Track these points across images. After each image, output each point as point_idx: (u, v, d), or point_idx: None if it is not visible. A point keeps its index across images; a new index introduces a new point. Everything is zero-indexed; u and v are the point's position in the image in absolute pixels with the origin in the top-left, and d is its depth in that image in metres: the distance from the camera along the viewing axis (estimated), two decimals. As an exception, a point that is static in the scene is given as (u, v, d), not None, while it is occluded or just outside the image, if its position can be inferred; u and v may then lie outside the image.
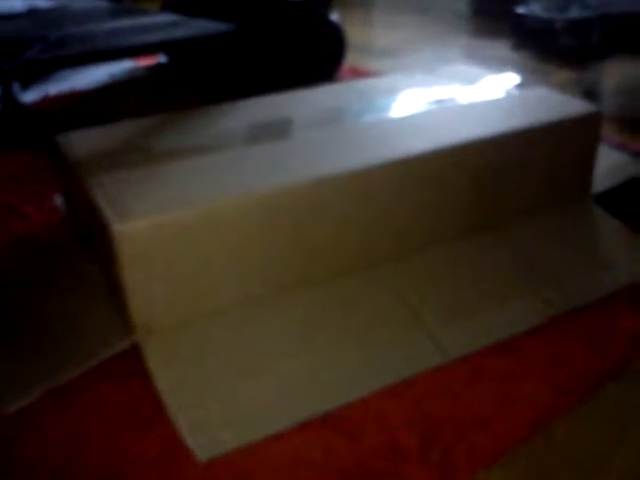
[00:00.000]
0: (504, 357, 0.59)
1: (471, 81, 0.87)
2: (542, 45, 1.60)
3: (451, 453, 0.49)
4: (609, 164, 0.88)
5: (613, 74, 1.20)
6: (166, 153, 0.66)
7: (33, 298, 0.67)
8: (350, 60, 1.48)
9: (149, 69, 1.53)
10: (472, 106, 0.79)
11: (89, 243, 0.66)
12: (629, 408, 0.55)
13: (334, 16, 1.36)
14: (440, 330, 0.61)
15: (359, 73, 1.46)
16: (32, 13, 1.27)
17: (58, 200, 0.84)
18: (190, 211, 0.56)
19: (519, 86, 0.85)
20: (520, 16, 1.64)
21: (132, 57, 1.47)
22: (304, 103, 0.80)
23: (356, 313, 0.62)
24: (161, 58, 1.55)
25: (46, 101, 1.32)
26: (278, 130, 0.71)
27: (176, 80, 1.44)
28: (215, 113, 0.78)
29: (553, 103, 0.79)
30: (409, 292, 0.65)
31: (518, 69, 1.49)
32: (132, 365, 0.57)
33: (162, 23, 1.17)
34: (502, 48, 1.66)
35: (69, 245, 0.74)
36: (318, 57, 1.34)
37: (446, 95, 0.82)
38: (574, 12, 1.59)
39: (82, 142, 0.69)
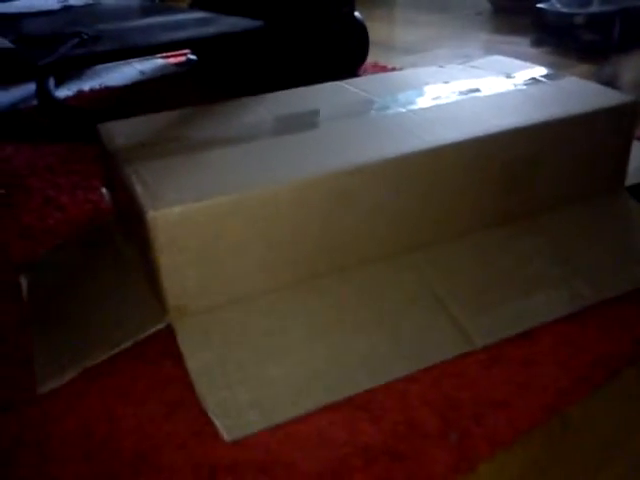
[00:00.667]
0: (523, 343, 0.60)
1: (506, 72, 0.86)
2: (562, 40, 1.59)
3: (470, 434, 0.50)
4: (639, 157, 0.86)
5: (631, 68, 1.19)
6: (199, 143, 0.67)
7: (76, 282, 0.69)
8: (373, 57, 1.48)
9: (178, 66, 1.55)
10: (505, 96, 0.78)
11: (129, 228, 0.67)
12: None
13: (357, 14, 1.36)
14: (466, 319, 0.61)
15: (382, 69, 1.46)
16: (66, 10, 1.29)
17: (102, 190, 0.86)
18: (222, 199, 0.57)
19: (552, 77, 0.84)
20: (540, 11, 1.63)
21: (163, 53, 1.49)
22: (331, 95, 0.81)
23: (384, 301, 0.63)
24: (190, 55, 1.56)
25: (80, 97, 1.34)
26: (306, 121, 0.72)
27: (205, 77, 1.45)
28: (245, 105, 0.78)
29: (586, 93, 0.78)
30: (437, 281, 0.65)
31: (539, 63, 1.48)
32: (165, 346, 0.58)
33: (192, 20, 1.18)
34: (522, 44, 1.66)
35: (112, 231, 0.75)
36: (342, 54, 1.34)
37: (480, 85, 0.81)
38: (594, 7, 1.58)
39: (120, 132, 0.71)
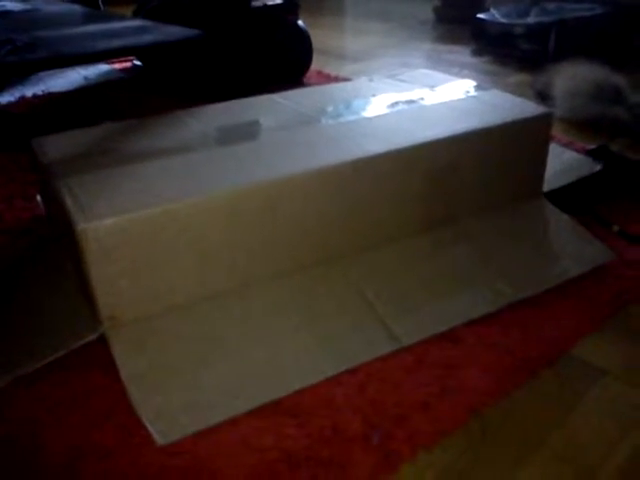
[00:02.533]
0: (446, 346, 0.61)
1: (431, 85, 0.89)
2: (501, 50, 1.63)
3: (392, 437, 0.51)
4: (561, 163, 0.90)
5: (565, 77, 1.23)
6: (134, 155, 0.68)
7: (9, 291, 0.68)
8: (318, 65, 1.50)
9: (124, 72, 1.53)
10: (428, 108, 0.81)
11: (63, 239, 0.67)
12: (563, 393, 0.57)
13: (301, 22, 1.37)
14: (393, 319, 0.63)
15: (327, 77, 1.48)
16: (2, 16, 1.26)
17: (37, 198, 0.85)
18: (152, 210, 0.58)
19: (476, 89, 0.87)
20: (481, 22, 1.67)
21: (99, 62, 1.47)
22: (271, 107, 0.82)
23: (315, 304, 0.64)
24: (136, 61, 1.55)
25: (22, 103, 1.32)
26: (246, 133, 0.73)
27: (150, 83, 1.45)
28: (185, 117, 0.79)
29: (506, 105, 0.81)
30: (365, 285, 0.67)
31: (477, 72, 1.52)
32: (96, 356, 0.58)
33: (130, 28, 1.17)
34: (463, 53, 1.69)
35: (47, 240, 0.75)
36: (286, 62, 1.35)
37: (406, 98, 0.84)
38: (532, 18, 1.63)
39: (55, 146, 0.71)
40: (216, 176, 0.63)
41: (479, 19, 1.67)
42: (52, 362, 0.57)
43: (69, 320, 0.61)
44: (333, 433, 0.51)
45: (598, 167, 0.89)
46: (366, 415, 0.53)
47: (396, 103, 0.82)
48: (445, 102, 0.83)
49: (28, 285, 0.69)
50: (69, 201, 0.58)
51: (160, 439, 0.50)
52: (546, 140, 0.82)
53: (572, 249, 0.76)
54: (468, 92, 0.87)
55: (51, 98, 1.35)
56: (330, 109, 0.81)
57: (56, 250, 0.71)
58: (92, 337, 0.58)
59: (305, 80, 1.43)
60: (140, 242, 0.58)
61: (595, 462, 0.50)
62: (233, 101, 0.84)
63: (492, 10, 1.68)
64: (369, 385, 0.56)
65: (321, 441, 0.50)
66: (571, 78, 1.24)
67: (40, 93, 1.37)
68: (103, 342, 0.58)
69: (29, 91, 1.38)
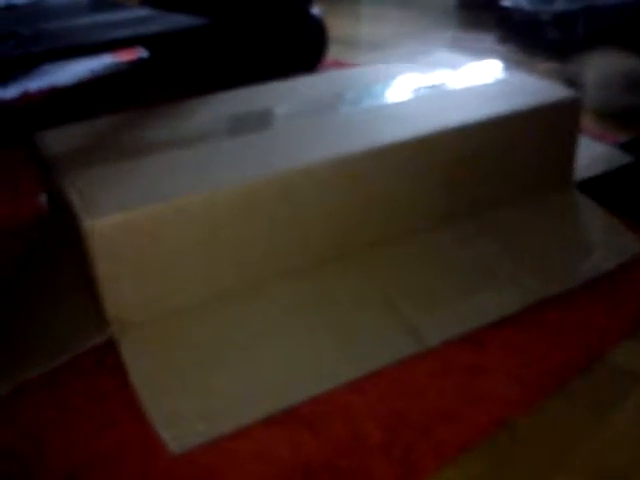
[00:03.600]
0: (471, 350, 0.60)
1: (454, 68, 0.88)
2: (527, 38, 1.61)
3: (415, 448, 0.50)
4: (591, 155, 0.89)
5: (594, 67, 1.21)
6: (142, 148, 0.67)
7: (11, 292, 0.68)
8: (335, 53, 1.49)
9: (130, 64, 1.54)
10: (452, 93, 0.79)
11: (68, 237, 0.67)
12: (596, 402, 0.56)
13: (315, 9, 1.36)
14: (416, 318, 0.62)
15: (343, 66, 1.47)
16: (8, 9, 1.27)
17: (39, 194, 0.85)
18: (161, 206, 0.57)
19: (501, 71, 0.86)
20: (505, 9, 1.65)
21: (106, 52, 1.48)
22: (285, 94, 0.81)
23: (333, 303, 0.63)
24: (142, 53, 1.55)
25: (26, 97, 1.32)
26: (259, 121, 0.72)
27: (157, 74, 1.45)
28: (195, 106, 0.78)
29: (532, 89, 0.80)
30: (386, 281, 0.66)
31: (503, 61, 1.50)
32: (103, 359, 0.58)
33: (137, 18, 1.18)
34: (487, 41, 1.68)
35: (50, 239, 0.75)
36: (299, 51, 1.34)
37: (428, 82, 0.82)
38: (559, 4, 1.61)
39: (58, 140, 0.70)
40: (228, 168, 0.62)
41: (503, 5, 1.65)
42: (55, 367, 0.57)
43: (74, 322, 0.61)
44: (352, 443, 0.50)
45: (629, 160, 0.87)
46: (387, 424, 0.52)
47: (417, 88, 0.81)
48: (468, 86, 0.81)
49: (30, 286, 0.68)
50: (74, 197, 0.58)
51: (174, 447, 0.50)
52: (576, 126, 0.80)
53: (604, 242, 0.75)
54: (492, 75, 0.85)
55: (56, 92, 1.36)
56: (348, 95, 0.80)
57: (60, 248, 0.71)
58: (99, 340, 0.58)
59: (320, 69, 1.42)
60: (149, 239, 0.57)
61: (631, 475, 0.49)
62: (246, 89, 0.83)
63: (517, -4, 1.66)
64: (390, 392, 0.55)
65: (339, 452, 0.50)
66: (602, 68, 1.23)
67: (45, 87, 1.38)
68: (110, 345, 0.57)
69: (33, 84, 1.38)
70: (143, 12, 1.24)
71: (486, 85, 0.82)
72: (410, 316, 0.63)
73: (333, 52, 1.46)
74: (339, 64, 1.48)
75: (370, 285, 0.65)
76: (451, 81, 0.83)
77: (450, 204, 0.73)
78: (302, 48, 1.36)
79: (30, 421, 0.54)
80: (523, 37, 1.62)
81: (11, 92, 1.33)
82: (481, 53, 1.58)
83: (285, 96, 0.81)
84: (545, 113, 0.76)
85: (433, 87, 0.81)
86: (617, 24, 1.55)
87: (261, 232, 0.62)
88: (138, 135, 0.71)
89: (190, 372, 0.56)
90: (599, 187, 0.82)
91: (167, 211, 0.57)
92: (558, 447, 0.52)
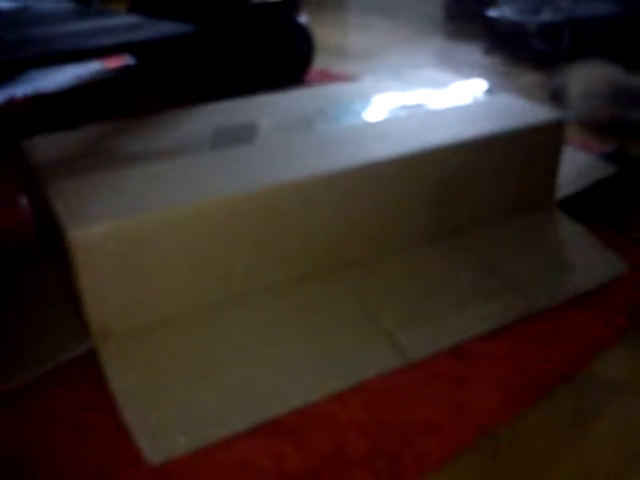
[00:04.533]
0: (455, 361, 0.61)
1: (439, 87, 0.89)
2: (513, 48, 1.63)
3: (399, 459, 0.50)
4: (575, 167, 0.90)
5: (579, 78, 1.23)
6: (128, 158, 0.67)
7: None
8: (323, 63, 1.50)
9: (117, 71, 1.53)
10: (437, 113, 0.80)
11: (52, 245, 0.67)
12: (578, 411, 0.57)
13: (303, 18, 1.37)
14: (399, 333, 0.63)
15: (330, 77, 1.47)
16: (-7, 14, 1.27)
17: (23, 202, 0.85)
18: (145, 217, 0.57)
19: (487, 92, 0.87)
20: (492, 19, 1.67)
21: (93, 59, 1.48)
22: (270, 108, 0.82)
23: (317, 317, 0.64)
24: (129, 60, 1.55)
25: (12, 103, 1.32)
26: (243, 135, 0.73)
27: (143, 82, 1.44)
28: (180, 117, 0.79)
29: (517, 110, 0.81)
30: (370, 297, 0.66)
31: (489, 72, 1.52)
32: (86, 370, 0.58)
33: (125, 25, 1.18)
34: (474, 51, 1.69)
35: (33, 247, 0.74)
36: (286, 60, 1.35)
37: (413, 101, 0.84)
38: (545, 15, 1.63)
39: (44, 147, 0.70)
40: (213, 181, 0.63)
41: (490, 16, 1.67)
42: (38, 377, 0.57)
43: (56, 333, 0.61)
44: (335, 454, 0.51)
45: (613, 171, 0.88)
46: (371, 435, 0.52)
47: (403, 106, 0.82)
48: (454, 106, 0.82)
49: (12, 296, 0.68)
50: (58, 206, 0.58)
51: (153, 459, 0.50)
52: (559, 147, 0.81)
53: (586, 261, 0.76)
54: (477, 95, 0.86)
55: (41, 98, 1.35)
56: (334, 111, 0.80)
57: (44, 257, 0.71)
58: (81, 351, 0.58)
59: (307, 79, 1.42)
60: (133, 251, 0.57)
61: (613, 484, 0.50)
62: (231, 101, 0.84)
63: (504, 6, 1.68)
64: (374, 403, 0.56)
65: (322, 463, 0.50)
66: (586, 79, 1.24)
67: (30, 93, 1.37)
68: (92, 356, 0.57)
69: (19, 90, 1.38)
70: (131, 19, 1.24)
71: (472, 105, 0.83)
72: (393, 330, 0.63)
73: (320, 61, 1.47)
74: (326, 74, 1.49)
75: (354, 300, 0.66)
76: (436, 100, 0.84)
77: (436, 222, 0.74)
78: (290, 57, 1.36)
79: (12, 433, 0.53)
80: (509, 48, 1.64)
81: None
82: (467, 64, 1.59)
83: (271, 110, 0.81)
84: (530, 134, 0.77)
85: (419, 106, 0.82)
86: (601, 35, 1.57)
87: (247, 246, 0.63)
88: (125, 144, 0.71)
89: (172, 383, 0.56)
90: (584, 200, 0.83)
91: (151, 222, 0.58)
92: (541, 455, 0.52)
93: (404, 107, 0.82)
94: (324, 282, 0.67)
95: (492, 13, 1.67)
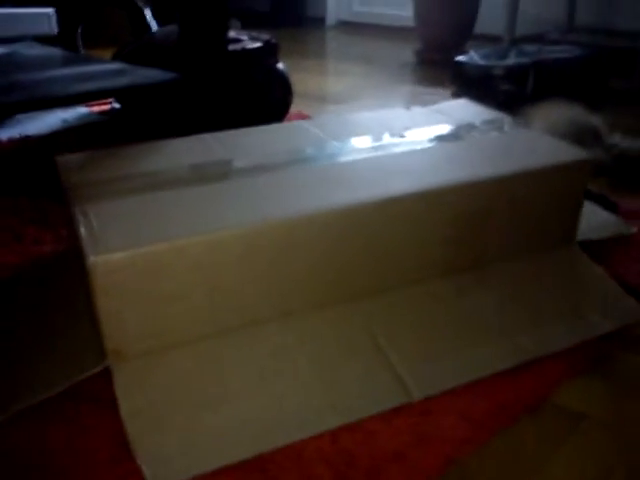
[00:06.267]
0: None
1: (466, 118, 0.87)
2: (480, 91, 1.66)
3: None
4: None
5: (543, 118, 1.25)
6: (156, 182, 0.68)
7: (27, 320, 0.69)
8: (299, 106, 1.51)
9: (103, 114, 1.54)
10: (460, 146, 0.79)
11: (82, 266, 0.67)
12: (542, 440, 0.57)
13: (280, 65, 1.39)
14: (406, 370, 0.62)
15: (306, 118, 1.49)
16: (-21, 59, 1.27)
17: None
18: (163, 245, 0.59)
19: (512, 127, 0.85)
20: (460, 64, 1.71)
21: (76, 104, 1.48)
22: (290, 135, 0.81)
23: (325, 348, 0.64)
24: (115, 104, 1.56)
25: (-2, 146, 1.32)
26: (259, 167, 0.72)
27: (129, 126, 1.45)
28: (210, 141, 0.79)
29: (542, 147, 0.79)
30: (380, 330, 0.66)
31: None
32: (102, 390, 0.58)
33: (107, 71, 1.19)
34: (443, 95, 1.73)
35: (68, 267, 0.75)
36: (264, 104, 1.36)
37: (439, 133, 0.82)
38: (510, 60, 1.66)
39: (76, 166, 0.72)
40: (229, 211, 0.63)
41: (459, 61, 1.70)
42: (59, 393, 0.58)
43: (78, 351, 0.63)
44: (303, 486, 0.50)
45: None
46: (338, 468, 0.53)
47: (430, 139, 0.80)
48: (479, 139, 0.80)
49: (40, 314, 0.69)
50: (83, 230, 0.59)
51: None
52: (583, 186, 0.79)
53: (602, 304, 0.73)
54: (502, 129, 0.84)
55: (28, 141, 1.35)
56: (350, 142, 0.79)
57: (76, 277, 0.71)
58: (96, 370, 0.59)
59: (286, 120, 1.44)
60: (149, 277, 0.58)
61: (576, 511, 0.50)
62: (249, 129, 0.83)
63: (472, 52, 1.71)
64: (342, 435, 0.56)
65: (291, 495, 0.49)
66: (549, 119, 1.26)
67: (17, 136, 1.37)
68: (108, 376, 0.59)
69: (4, 134, 1.38)
70: (115, 65, 1.25)
71: (497, 140, 0.81)
72: (400, 367, 0.62)
73: (297, 105, 1.49)
74: (303, 117, 1.51)
75: (363, 332, 0.65)
76: (462, 133, 0.81)
77: (453, 258, 0.72)
78: (268, 102, 1.38)
79: (18, 455, 0.54)
80: (477, 91, 1.67)
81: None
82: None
83: (291, 138, 0.80)
84: (556, 173, 0.75)
85: (444, 138, 0.80)
86: (564, 77, 1.60)
87: (259, 275, 0.63)
88: (153, 169, 0.71)
89: (178, 407, 0.57)
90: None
91: (168, 251, 0.59)
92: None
93: (431, 139, 0.79)
94: (336, 313, 0.67)
95: (461, 58, 1.70)
